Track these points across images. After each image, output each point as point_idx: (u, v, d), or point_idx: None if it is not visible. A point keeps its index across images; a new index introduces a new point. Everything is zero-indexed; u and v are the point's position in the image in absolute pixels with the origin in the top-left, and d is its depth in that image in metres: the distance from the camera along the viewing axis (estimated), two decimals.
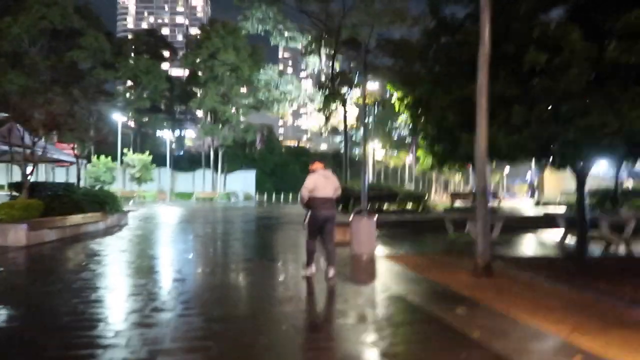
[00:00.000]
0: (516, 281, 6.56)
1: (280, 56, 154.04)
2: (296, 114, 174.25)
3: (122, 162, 32.97)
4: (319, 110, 23.61)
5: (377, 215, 8.64)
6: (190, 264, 7.92)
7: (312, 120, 27.50)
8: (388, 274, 7.16)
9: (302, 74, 75.03)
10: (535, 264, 8.56)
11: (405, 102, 21.09)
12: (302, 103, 23.37)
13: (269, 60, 35.40)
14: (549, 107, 8.01)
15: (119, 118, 28.81)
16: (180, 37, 69.77)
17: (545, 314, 4.71)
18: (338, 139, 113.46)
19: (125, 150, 34.24)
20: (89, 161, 33.28)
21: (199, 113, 49.48)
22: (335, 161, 74.28)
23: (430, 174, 74.27)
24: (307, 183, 6.53)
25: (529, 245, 12.31)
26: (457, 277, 6.67)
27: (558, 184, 38.19)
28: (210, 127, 40.60)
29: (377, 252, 8.91)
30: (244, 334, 4.12)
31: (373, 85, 22.62)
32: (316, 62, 21.53)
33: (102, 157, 32.59)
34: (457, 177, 78.28)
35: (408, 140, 67.47)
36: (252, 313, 4.92)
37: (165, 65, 50.97)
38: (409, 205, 21.09)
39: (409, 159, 52.53)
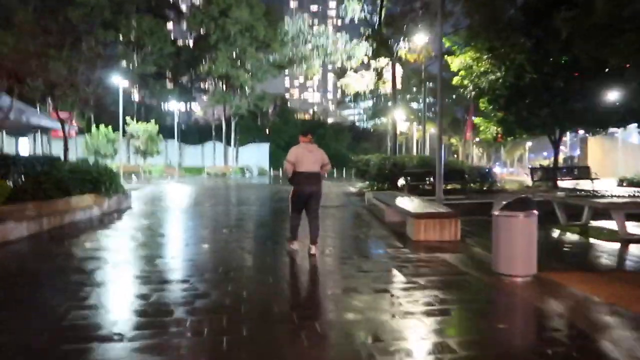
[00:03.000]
0: None
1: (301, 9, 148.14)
2: (303, 87, 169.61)
3: (124, 132, 29.59)
4: (363, 63, 19.90)
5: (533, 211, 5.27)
6: (231, 283, 4.71)
7: (351, 81, 23.48)
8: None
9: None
10: None
11: (470, 56, 17.63)
12: (338, 59, 19.66)
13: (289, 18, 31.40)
14: None
15: (120, 82, 25.33)
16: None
17: None
18: (347, 111, 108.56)
19: (128, 120, 30.81)
20: (88, 130, 30.00)
21: (208, 82, 45.86)
22: (352, 134, 70.93)
23: (456, 148, 70.62)
24: (289, 155, 6.44)
25: None
26: None
27: (608, 158, 34.30)
28: (222, 95, 37.07)
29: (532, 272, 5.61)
30: None
31: (421, 40, 18.94)
32: (356, 9, 17.88)
33: (102, 127, 29.29)
34: (478, 151, 74.37)
35: (430, 112, 63.72)
36: None
37: (170, 27, 47.18)
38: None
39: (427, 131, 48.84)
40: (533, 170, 17.94)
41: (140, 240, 7.63)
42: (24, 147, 41.61)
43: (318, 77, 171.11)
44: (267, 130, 51.53)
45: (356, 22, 18.55)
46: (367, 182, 17.85)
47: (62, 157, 12.11)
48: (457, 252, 6.80)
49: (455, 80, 19.71)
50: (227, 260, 6.24)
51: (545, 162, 50.52)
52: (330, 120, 79.74)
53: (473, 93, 17.04)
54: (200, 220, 10.41)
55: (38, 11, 37.18)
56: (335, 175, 42.28)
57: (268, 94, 40.39)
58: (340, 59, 19.61)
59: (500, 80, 16.43)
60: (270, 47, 32.01)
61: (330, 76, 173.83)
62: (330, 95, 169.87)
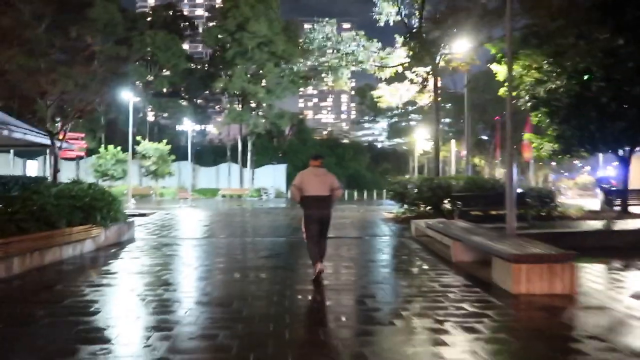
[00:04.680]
0: None
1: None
2: (317, 108, 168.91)
3: (134, 153, 27.97)
4: (397, 74, 17.86)
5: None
6: None
7: (385, 92, 21.52)
8: None
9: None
10: None
11: (521, 64, 15.62)
12: (370, 68, 17.75)
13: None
14: None
15: (130, 97, 23.82)
16: (200, 12, 64.21)
17: None
18: (361, 132, 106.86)
19: (138, 138, 29.20)
20: (91, 152, 28.41)
21: (224, 99, 44.48)
22: (372, 154, 68.88)
23: (480, 168, 67.91)
24: (295, 179, 6.53)
25: None
26: None
27: None
28: (239, 113, 35.44)
29: None
30: None
31: (461, 48, 17.00)
32: (392, 12, 16.02)
33: (111, 147, 27.71)
34: (500, 171, 71.42)
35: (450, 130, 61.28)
36: None
37: (185, 46, 46.07)
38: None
39: (453, 149, 46.52)
40: (607, 193, 15.60)
41: (137, 293, 5.65)
42: (32, 169, 40.26)
43: (331, 97, 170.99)
44: (284, 151, 49.84)
45: (391, 24, 16.74)
46: (405, 207, 15.75)
47: (50, 178, 10.26)
48: (594, 316, 4.66)
49: (502, 91, 17.76)
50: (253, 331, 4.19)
51: (570, 182, 47.65)
52: (344, 141, 78.17)
53: (529, 105, 14.97)
54: (213, 259, 8.40)
55: (50, 28, 36.45)
56: (355, 197, 40.22)
57: (286, 112, 38.74)
58: (373, 68, 17.74)
59: (561, 89, 14.37)
60: (290, 62, 30.39)
61: (345, 97, 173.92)
62: (344, 116, 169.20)
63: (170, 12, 43.45)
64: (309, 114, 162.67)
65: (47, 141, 10.03)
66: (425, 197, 14.40)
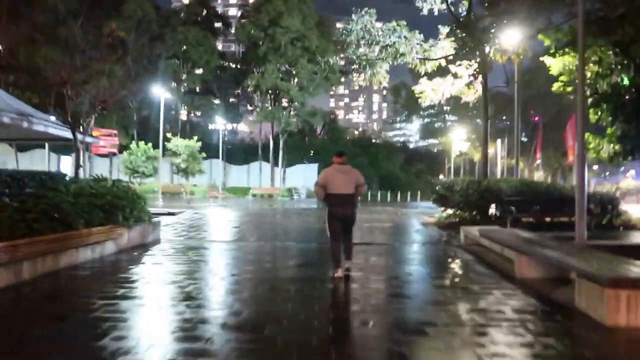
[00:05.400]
0: None
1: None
2: (347, 108, 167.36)
3: (165, 150, 27.64)
4: (440, 67, 16.67)
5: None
6: None
7: (428, 87, 20.14)
8: None
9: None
10: None
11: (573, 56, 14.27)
12: (412, 61, 16.64)
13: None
14: None
15: (161, 93, 23.44)
16: (232, 12, 64.09)
17: None
18: (392, 132, 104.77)
19: (169, 135, 28.87)
20: (123, 149, 28.19)
21: (256, 97, 44.04)
22: (405, 154, 67.30)
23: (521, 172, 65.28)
24: (319, 177, 6.55)
25: None
26: None
27: None
28: (271, 111, 34.79)
29: None
30: None
31: (512, 39, 15.72)
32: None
33: (142, 143, 27.46)
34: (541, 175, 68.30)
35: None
36: None
37: (218, 46, 45.77)
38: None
39: (499, 150, 44.47)
40: None
41: (155, 309, 4.87)
42: (67, 165, 40.79)
43: (363, 97, 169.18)
44: (316, 150, 49.06)
45: (435, 13, 15.60)
46: (450, 211, 14.64)
47: (72, 174, 9.69)
48: None
49: (556, 86, 16.40)
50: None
51: (612, 187, 44.99)
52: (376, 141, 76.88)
53: (590, 100, 13.60)
54: (242, 267, 7.60)
55: (84, 26, 36.74)
56: (389, 198, 39.05)
57: (319, 110, 37.91)
58: (415, 61, 16.61)
59: (627, 83, 12.96)
60: (324, 57, 29.54)
61: (376, 97, 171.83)
62: (375, 116, 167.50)
63: (204, 10, 43.23)
64: (340, 114, 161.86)
65: (69, 134, 9.50)
66: (472, 201, 13.26)
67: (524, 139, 61.52)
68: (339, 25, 39.02)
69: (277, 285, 6.20)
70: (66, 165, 39.56)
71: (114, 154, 36.12)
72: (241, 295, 5.56)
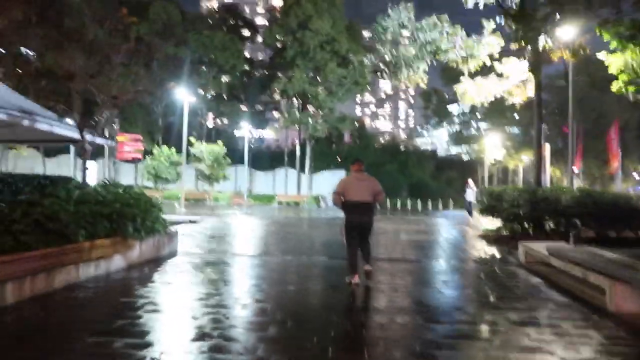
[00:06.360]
0: None
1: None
2: (374, 115, 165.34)
3: (189, 155, 26.88)
4: (484, 66, 15.32)
5: None
6: None
7: (470, 87, 18.80)
8: None
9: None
10: None
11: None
12: (454, 59, 15.34)
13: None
14: None
15: (185, 97, 22.70)
16: (260, 20, 63.64)
17: None
18: (419, 139, 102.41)
19: (192, 140, 28.10)
20: (148, 154, 27.51)
21: (283, 102, 43.25)
22: (435, 162, 65.39)
23: (558, 181, 62.60)
24: (337, 185, 6.59)
25: None
26: None
27: None
28: (298, 116, 33.81)
29: None
30: None
31: (568, 33, 14.27)
32: None
33: (165, 148, 26.79)
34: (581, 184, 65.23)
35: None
36: None
37: (245, 53, 45.22)
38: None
39: (548, 156, 42.26)
40: None
41: (157, 352, 3.76)
42: (91, 170, 40.56)
43: (389, 104, 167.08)
44: (344, 157, 47.85)
45: (481, 8, 14.25)
46: (499, 223, 13.23)
47: (79, 178, 8.78)
48: None
49: (616, 86, 14.86)
50: None
51: None
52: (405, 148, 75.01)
53: None
54: (267, 290, 6.47)
55: (109, 29, 36.60)
56: (420, 207, 37.45)
57: (348, 116, 36.76)
58: (458, 58, 15.32)
59: None
60: (355, 58, 28.35)
61: (402, 104, 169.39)
62: (402, 124, 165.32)
63: (231, 15, 42.77)
64: (366, 121, 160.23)
65: (77, 135, 8.61)
66: (526, 213, 11.85)
67: (559, 145, 58.92)
68: (365, 33, 37.86)
69: (309, 316, 5.05)
70: (91, 170, 39.44)
71: (139, 160, 35.70)
72: (265, 335, 4.38)
